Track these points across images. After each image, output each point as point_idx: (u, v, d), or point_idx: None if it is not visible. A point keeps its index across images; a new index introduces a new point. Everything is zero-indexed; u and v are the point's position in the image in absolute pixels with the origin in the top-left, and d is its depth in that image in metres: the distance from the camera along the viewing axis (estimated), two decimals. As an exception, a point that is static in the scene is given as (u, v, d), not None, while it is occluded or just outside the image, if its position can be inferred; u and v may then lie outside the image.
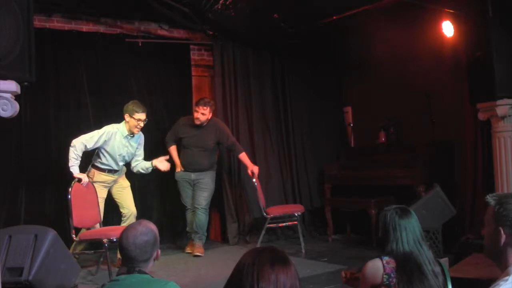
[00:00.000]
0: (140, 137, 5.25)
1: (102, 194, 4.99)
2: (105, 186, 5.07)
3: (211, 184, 5.76)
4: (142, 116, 5.01)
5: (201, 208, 5.66)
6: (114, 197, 5.18)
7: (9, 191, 5.32)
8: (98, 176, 4.99)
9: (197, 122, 5.63)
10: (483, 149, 5.05)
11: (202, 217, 5.67)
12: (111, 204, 5.22)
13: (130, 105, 5.01)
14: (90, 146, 4.82)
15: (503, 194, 1.82)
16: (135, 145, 5.18)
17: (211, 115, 5.70)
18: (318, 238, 6.49)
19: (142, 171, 5.29)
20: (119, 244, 2.24)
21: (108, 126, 5.00)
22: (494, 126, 4.59)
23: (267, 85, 6.74)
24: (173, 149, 5.82)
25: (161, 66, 6.37)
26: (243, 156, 5.81)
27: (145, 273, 2.19)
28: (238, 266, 1.48)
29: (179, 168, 5.74)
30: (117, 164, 5.06)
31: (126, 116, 4.99)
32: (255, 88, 6.62)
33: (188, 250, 5.69)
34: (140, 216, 5.63)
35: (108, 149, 4.95)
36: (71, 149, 4.74)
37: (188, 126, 5.76)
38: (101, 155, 4.98)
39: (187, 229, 5.80)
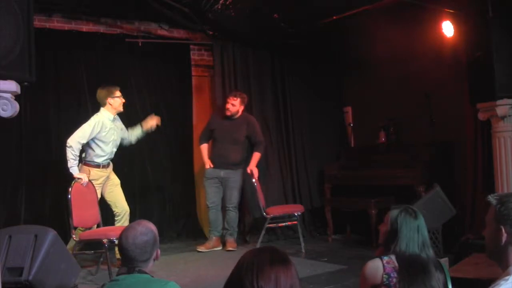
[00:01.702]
0: (118, 118, 5.27)
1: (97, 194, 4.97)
2: (99, 185, 5.02)
3: (239, 181, 5.89)
4: (118, 92, 5.11)
5: (233, 206, 5.81)
6: (105, 197, 5.11)
7: (9, 191, 5.33)
8: (93, 173, 4.95)
9: (227, 113, 5.79)
10: (483, 149, 5.04)
11: (232, 214, 5.83)
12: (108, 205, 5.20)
13: (103, 91, 5.06)
14: (84, 141, 4.84)
15: (505, 194, 1.83)
16: (120, 125, 5.23)
17: (242, 107, 5.85)
18: (318, 238, 6.49)
19: (137, 138, 5.41)
20: (119, 245, 2.24)
21: (94, 117, 5.00)
22: (494, 126, 4.58)
23: (267, 85, 6.74)
24: (204, 147, 5.94)
25: (161, 66, 6.38)
26: (255, 155, 5.89)
27: (145, 273, 2.19)
28: (238, 264, 1.48)
29: (208, 165, 5.82)
30: (111, 151, 5.09)
31: (109, 100, 5.03)
32: (255, 88, 6.62)
33: (200, 248, 5.71)
34: (140, 216, 5.64)
35: (102, 138, 4.96)
36: (69, 150, 4.73)
37: (220, 118, 5.92)
38: (95, 147, 4.95)
39: (211, 228, 5.84)
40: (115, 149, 5.16)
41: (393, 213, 2.37)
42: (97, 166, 5.00)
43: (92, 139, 4.91)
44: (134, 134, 5.40)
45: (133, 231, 2.22)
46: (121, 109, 5.13)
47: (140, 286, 2.12)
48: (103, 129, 4.95)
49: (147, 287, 2.12)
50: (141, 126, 5.41)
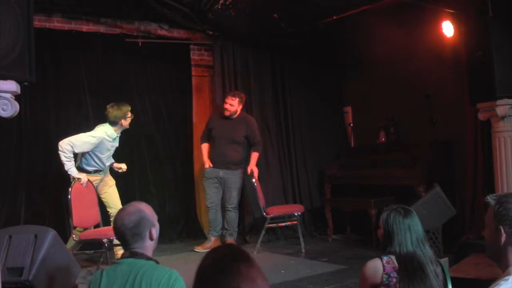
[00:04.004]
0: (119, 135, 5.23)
1: None
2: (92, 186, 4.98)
3: (239, 182, 5.87)
4: (130, 112, 5.04)
5: (232, 207, 5.80)
6: (100, 196, 5.09)
7: (9, 191, 5.33)
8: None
9: (226, 113, 5.77)
10: (483, 149, 5.04)
11: (232, 215, 5.82)
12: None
13: (117, 112, 4.94)
14: (78, 150, 4.78)
15: (503, 194, 1.83)
16: (117, 139, 5.15)
17: (240, 107, 5.84)
18: (318, 238, 6.49)
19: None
20: (113, 229, 2.27)
21: (97, 131, 4.91)
22: (494, 126, 4.58)
23: (267, 85, 6.74)
24: (204, 146, 5.93)
25: (161, 66, 6.38)
26: (254, 155, 5.88)
27: (151, 259, 2.19)
28: (197, 272, 1.38)
29: (207, 165, 5.80)
30: (103, 163, 5.04)
31: (122, 121, 4.97)
32: (255, 88, 6.61)
33: (197, 249, 5.68)
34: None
35: (97, 153, 4.92)
36: (61, 154, 4.66)
37: (218, 117, 5.90)
38: (88, 157, 4.93)
39: (210, 228, 5.84)
40: (108, 163, 5.12)
41: (383, 216, 2.39)
42: (89, 172, 4.96)
43: (87, 152, 4.88)
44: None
45: (121, 212, 2.23)
46: (128, 126, 5.10)
47: (145, 270, 2.11)
48: (100, 146, 4.88)
49: (151, 271, 2.11)
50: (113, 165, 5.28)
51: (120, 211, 2.27)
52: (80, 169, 4.93)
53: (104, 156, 5.00)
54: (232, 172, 5.81)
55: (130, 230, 2.17)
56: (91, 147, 4.83)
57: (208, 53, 6.71)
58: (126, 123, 5.03)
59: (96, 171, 5.03)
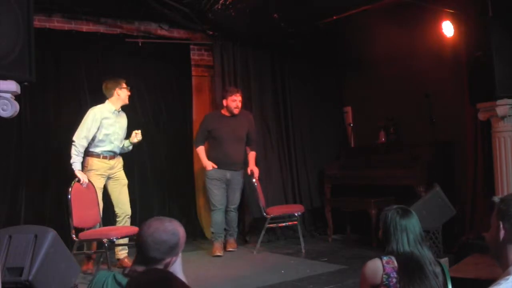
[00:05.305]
0: (123, 115, 5.21)
1: (98, 183, 4.88)
2: (101, 176, 4.94)
3: (241, 182, 5.85)
4: (124, 83, 5.08)
5: (234, 207, 5.78)
6: (110, 193, 5.06)
7: (9, 191, 5.32)
8: (93, 163, 4.89)
9: (237, 112, 5.70)
10: (483, 149, 5.04)
11: (233, 215, 5.80)
12: (111, 204, 5.18)
13: (111, 82, 5.03)
14: (87, 134, 4.80)
15: (509, 194, 1.87)
16: (124, 122, 5.15)
17: None
18: (318, 238, 6.49)
19: (127, 147, 5.27)
20: (137, 232, 2.01)
21: (91, 110, 4.94)
22: (494, 126, 4.58)
23: (267, 85, 6.73)
24: (200, 150, 5.75)
25: (161, 66, 6.38)
26: (252, 155, 5.86)
27: None
28: None
29: (210, 167, 5.63)
30: (112, 143, 4.98)
31: (116, 92, 4.99)
32: (255, 88, 6.61)
33: (219, 252, 5.53)
34: (140, 217, 5.66)
35: (102, 130, 4.91)
36: (72, 147, 4.72)
37: (218, 117, 5.79)
38: (95, 138, 4.90)
39: (212, 230, 5.68)
40: (117, 142, 5.04)
41: (381, 216, 2.40)
42: (97, 156, 4.92)
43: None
44: (125, 145, 5.25)
45: (158, 223, 1.97)
46: (127, 101, 5.09)
47: None
48: (102, 122, 4.89)
49: None
50: (129, 140, 5.24)
51: (157, 220, 2.00)
52: (89, 154, 4.89)
53: (110, 132, 4.95)
54: (237, 173, 5.77)
55: (155, 244, 1.91)
56: (97, 123, 4.86)
57: (208, 53, 6.71)
58: (122, 94, 5.03)
59: (105, 156, 4.95)
